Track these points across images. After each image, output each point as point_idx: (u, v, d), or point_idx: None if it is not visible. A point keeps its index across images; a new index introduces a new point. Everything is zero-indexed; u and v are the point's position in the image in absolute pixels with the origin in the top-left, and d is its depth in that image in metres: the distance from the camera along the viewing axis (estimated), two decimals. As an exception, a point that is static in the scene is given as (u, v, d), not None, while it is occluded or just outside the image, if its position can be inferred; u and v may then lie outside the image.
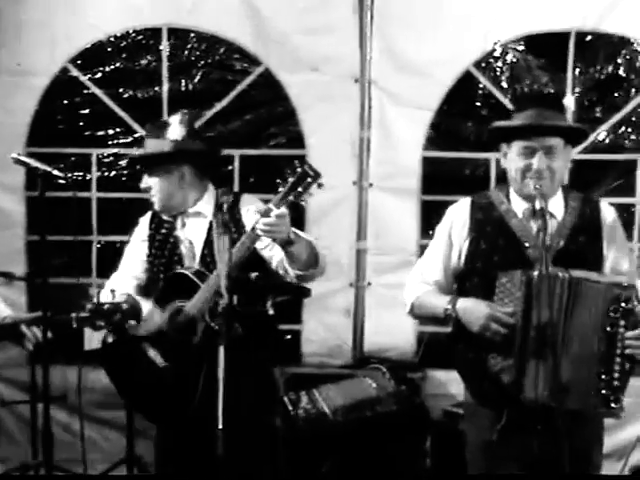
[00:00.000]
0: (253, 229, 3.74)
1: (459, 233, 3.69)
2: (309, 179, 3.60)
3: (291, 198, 3.62)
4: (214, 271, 3.86)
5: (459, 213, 3.72)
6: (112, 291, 3.89)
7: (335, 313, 5.66)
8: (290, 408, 4.91)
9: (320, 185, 3.61)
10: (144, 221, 4.34)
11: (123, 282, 4.16)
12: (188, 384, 3.98)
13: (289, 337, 5.84)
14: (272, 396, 4.36)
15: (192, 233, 4.27)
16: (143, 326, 4.04)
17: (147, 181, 4.17)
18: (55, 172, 3.84)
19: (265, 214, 3.65)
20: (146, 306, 4.06)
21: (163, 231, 4.26)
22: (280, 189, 3.65)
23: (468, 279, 3.66)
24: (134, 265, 4.26)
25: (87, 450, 5.51)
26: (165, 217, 4.26)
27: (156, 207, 4.21)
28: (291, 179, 3.62)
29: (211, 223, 4.23)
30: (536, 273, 3.39)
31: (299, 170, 3.62)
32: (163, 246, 4.24)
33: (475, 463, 3.71)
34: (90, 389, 4.72)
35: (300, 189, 3.60)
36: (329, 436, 4.82)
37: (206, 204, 4.26)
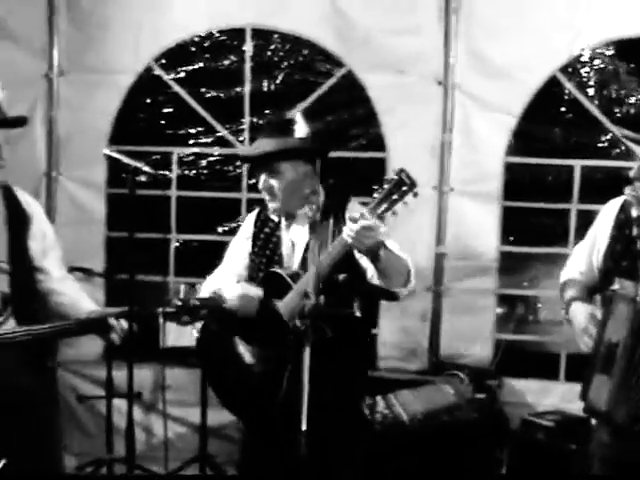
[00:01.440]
0: (341, 237, 3.72)
1: (603, 231, 3.63)
2: (405, 187, 3.52)
3: (385, 206, 3.54)
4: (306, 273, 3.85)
5: (608, 211, 3.66)
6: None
7: (412, 317, 5.62)
8: (366, 412, 4.88)
9: (416, 194, 3.54)
10: (250, 218, 4.33)
11: (225, 277, 4.15)
12: (273, 383, 3.98)
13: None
14: (357, 400, 4.34)
15: (296, 235, 4.26)
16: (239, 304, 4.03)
17: (269, 180, 4.14)
18: (145, 168, 3.85)
19: (354, 221, 3.62)
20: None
21: (267, 230, 4.26)
22: (375, 195, 3.61)
23: (606, 278, 3.60)
24: (236, 261, 4.25)
25: (159, 448, 5.63)
26: (272, 216, 4.25)
27: (273, 206, 4.19)
28: (387, 186, 3.55)
29: (313, 224, 4.22)
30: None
31: (396, 177, 3.55)
32: (265, 245, 4.23)
33: None
34: (163, 386, 4.73)
35: (395, 197, 3.53)
36: (406, 441, 4.79)
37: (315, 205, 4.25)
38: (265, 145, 4.15)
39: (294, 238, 4.20)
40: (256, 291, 4.03)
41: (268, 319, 4.01)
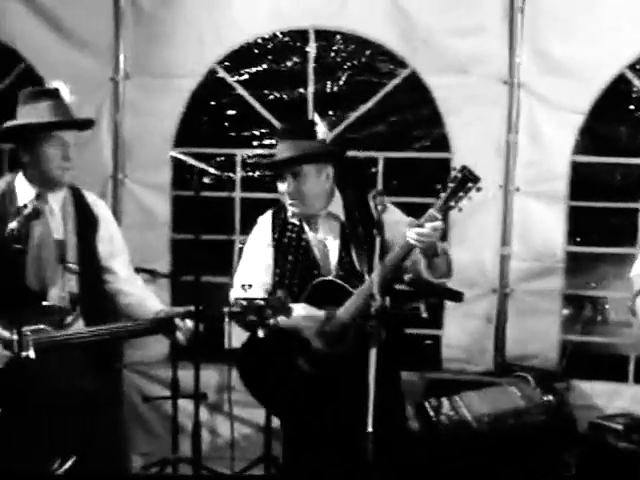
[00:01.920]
0: (407, 240, 3.75)
1: None
2: (470, 183, 3.65)
3: (452, 203, 3.65)
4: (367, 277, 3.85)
5: None
6: (249, 286, 3.86)
7: (477, 319, 5.57)
8: (432, 414, 4.85)
9: (479, 189, 3.62)
10: (265, 224, 4.33)
11: (253, 288, 4.07)
12: (333, 388, 3.98)
13: (429, 342, 5.79)
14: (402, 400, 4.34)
15: (325, 236, 4.26)
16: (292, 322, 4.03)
17: (293, 183, 4.16)
18: (211, 170, 3.87)
19: (419, 225, 3.67)
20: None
21: (291, 235, 4.26)
22: (441, 194, 3.70)
23: None
24: (260, 270, 4.25)
25: (223, 448, 5.66)
26: (292, 220, 4.26)
27: (295, 209, 4.20)
28: (452, 184, 3.68)
29: (343, 225, 4.24)
30: None
31: (459, 175, 3.67)
32: (294, 250, 4.23)
33: None
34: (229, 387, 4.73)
35: (461, 193, 3.65)
36: (472, 443, 4.75)
37: (337, 206, 4.28)
38: (289, 149, 4.17)
39: (323, 240, 4.21)
40: (319, 313, 4.04)
41: (330, 332, 4.03)
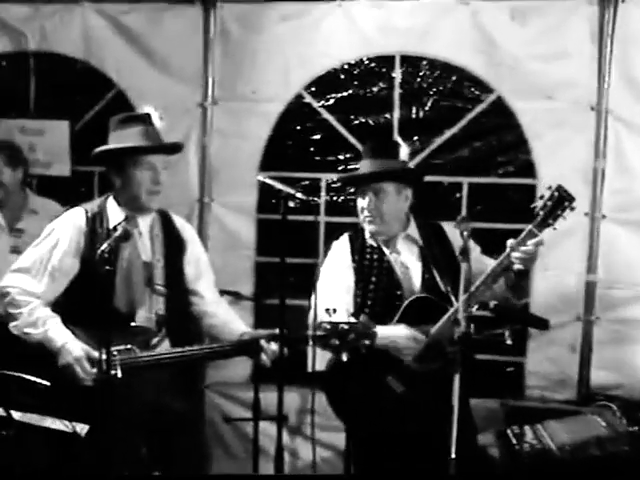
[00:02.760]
0: (507, 256, 3.80)
1: None
2: (566, 202, 3.73)
3: (550, 221, 3.76)
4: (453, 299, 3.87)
5: None
6: (334, 310, 3.90)
7: (561, 347, 5.49)
8: (514, 442, 4.79)
9: (573, 208, 3.70)
10: (343, 246, 4.37)
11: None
12: (423, 410, 3.97)
13: (511, 369, 5.74)
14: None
15: (406, 258, 4.28)
16: (391, 346, 4.06)
17: (370, 199, 4.20)
18: (299, 195, 3.92)
19: (520, 243, 3.73)
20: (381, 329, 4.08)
21: (373, 256, 4.28)
22: (539, 212, 3.83)
23: None
24: (341, 292, 4.28)
25: (304, 471, 5.68)
26: (370, 242, 4.28)
27: (372, 227, 4.24)
28: (549, 203, 3.79)
29: (422, 248, 4.26)
30: None
31: (556, 194, 3.78)
32: (377, 271, 4.26)
33: None
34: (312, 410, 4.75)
35: (558, 212, 3.76)
36: (555, 473, 4.68)
37: (414, 228, 4.31)
38: (372, 165, 4.23)
39: (405, 262, 4.23)
40: (421, 335, 4.06)
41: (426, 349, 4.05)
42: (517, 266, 3.89)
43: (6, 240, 5.19)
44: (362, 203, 4.27)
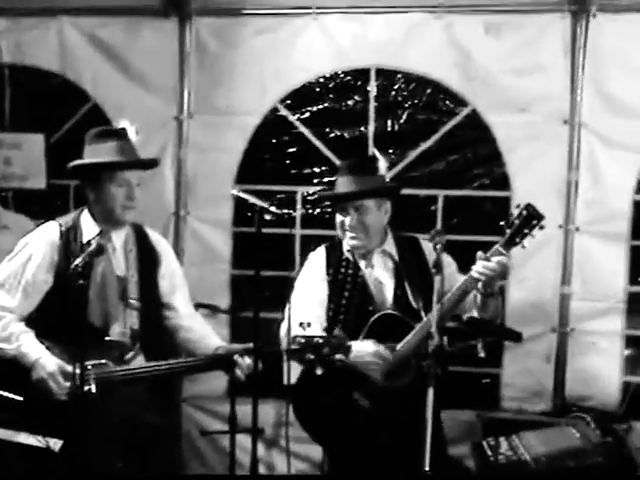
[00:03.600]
0: (471, 275, 3.81)
1: None
2: (534, 221, 3.75)
3: (517, 240, 3.76)
4: (428, 313, 3.88)
5: None
6: (308, 324, 3.89)
7: (536, 358, 5.52)
8: (489, 453, 4.81)
9: (542, 227, 3.71)
10: (319, 259, 4.38)
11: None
12: (390, 425, 3.98)
13: (487, 381, 5.76)
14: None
15: (380, 273, 4.30)
16: (358, 362, 4.07)
17: (352, 216, 4.21)
18: (272, 209, 3.91)
19: (486, 259, 3.74)
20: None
21: (348, 271, 4.30)
22: (507, 231, 3.84)
23: None
24: (314, 305, 4.29)
25: (274, 487, 5.67)
26: (347, 255, 4.30)
27: (355, 242, 4.25)
28: (517, 221, 3.80)
29: (397, 263, 4.28)
30: None
31: (525, 212, 3.79)
32: (350, 286, 4.27)
33: None
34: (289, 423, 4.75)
35: (526, 230, 3.76)
36: (530, 485, 4.70)
37: (391, 242, 4.33)
38: (353, 183, 4.24)
39: (379, 277, 4.25)
40: (385, 352, 4.07)
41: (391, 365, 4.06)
42: (479, 282, 3.90)
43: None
44: (343, 219, 4.28)
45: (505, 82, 5.42)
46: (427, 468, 3.36)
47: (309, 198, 5.95)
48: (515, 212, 3.91)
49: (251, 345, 3.90)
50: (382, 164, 4.38)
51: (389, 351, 4.07)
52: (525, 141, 5.44)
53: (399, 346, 4.05)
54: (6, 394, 3.74)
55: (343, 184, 4.33)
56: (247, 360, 3.94)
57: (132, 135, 4.18)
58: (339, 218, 4.29)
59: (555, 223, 5.36)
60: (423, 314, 4.08)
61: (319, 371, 3.79)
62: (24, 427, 3.73)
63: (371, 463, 4.12)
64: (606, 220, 5.37)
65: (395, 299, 4.23)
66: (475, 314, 4.07)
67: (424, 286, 4.10)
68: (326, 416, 4.17)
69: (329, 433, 4.21)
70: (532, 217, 3.85)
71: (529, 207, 3.87)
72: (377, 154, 4.47)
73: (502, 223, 3.89)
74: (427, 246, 4.27)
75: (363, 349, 4.06)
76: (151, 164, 4.28)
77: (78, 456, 3.70)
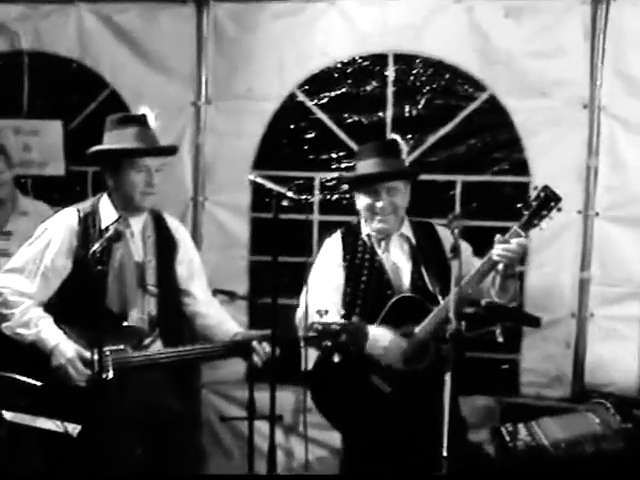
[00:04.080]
0: (490, 257, 3.81)
1: None
2: (552, 202, 3.75)
3: (536, 221, 3.78)
4: (446, 296, 3.87)
5: None
6: (326, 311, 3.90)
7: (555, 344, 5.51)
8: (508, 439, 4.80)
9: (560, 209, 3.72)
10: (335, 245, 4.37)
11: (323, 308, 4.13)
12: (409, 409, 3.98)
13: (506, 367, 5.74)
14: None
15: (397, 257, 4.29)
16: (373, 348, 4.06)
17: (386, 200, 4.19)
18: (289, 194, 3.91)
19: (505, 241, 3.74)
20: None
21: (365, 255, 4.28)
22: (524, 212, 3.87)
23: None
24: (331, 290, 4.29)
25: (299, 470, 5.69)
26: (364, 239, 4.29)
27: (382, 225, 4.23)
28: (535, 202, 3.80)
29: (414, 247, 4.27)
30: None
31: (542, 194, 3.80)
32: (367, 271, 4.26)
33: None
34: (307, 409, 4.75)
35: (544, 212, 3.79)
36: (549, 470, 4.68)
37: (407, 227, 4.32)
38: (381, 165, 4.22)
39: (396, 261, 4.24)
40: (402, 339, 4.06)
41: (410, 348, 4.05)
42: (500, 264, 3.90)
43: (-5, 243, 5.19)
44: (371, 202, 4.24)
45: (525, 66, 5.38)
46: (445, 453, 3.37)
47: (327, 184, 5.94)
48: (533, 194, 3.94)
49: (269, 332, 3.91)
50: (404, 147, 4.38)
51: (405, 337, 4.06)
52: (544, 126, 5.39)
53: (417, 330, 4.04)
54: (25, 379, 3.76)
55: (370, 166, 4.30)
56: (265, 346, 3.94)
57: (152, 121, 4.18)
58: (366, 201, 4.26)
59: (574, 208, 5.33)
60: (440, 298, 4.07)
61: (336, 358, 3.79)
62: (43, 412, 3.75)
63: (390, 448, 4.12)
64: (626, 205, 5.33)
65: (412, 283, 4.22)
66: (493, 298, 4.07)
67: (440, 271, 4.10)
68: (345, 401, 4.17)
69: (348, 419, 4.20)
70: (550, 199, 3.88)
71: (547, 189, 3.90)
72: (398, 138, 4.44)
73: (520, 206, 3.90)
74: (442, 231, 4.27)
75: (378, 335, 4.05)
76: (171, 151, 4.28)
77: (96, 442, 3.71)
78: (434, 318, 3.99)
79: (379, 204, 4.21)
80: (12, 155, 5.48)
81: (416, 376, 4.04)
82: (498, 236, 3.93)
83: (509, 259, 3.88)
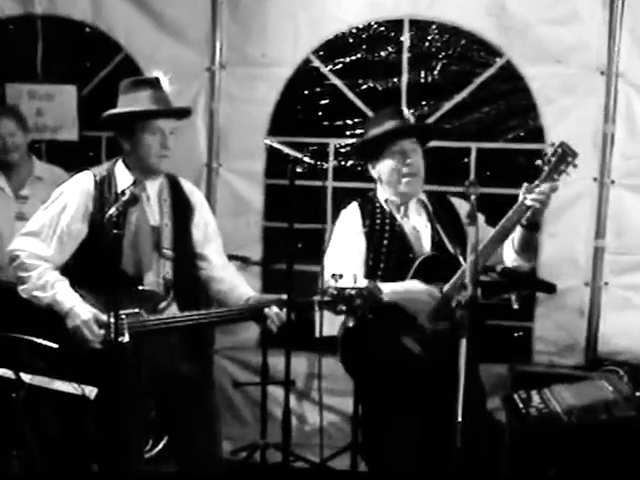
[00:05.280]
0: (522, 203, 3.86)
1: None
2: (569, 158, 3.79)
3: (555, 176, 3.84)
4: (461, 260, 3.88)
5: None
6: (340, 276, 3.85)
7: (569, 312, 5.52)
8: (521, 406, 4.81)
9: (575, 165, 3.83)
10: (353, 214, 4.35)
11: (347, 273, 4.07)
12: (440, 370, 3.98)
13: (520, 334, 5.75)
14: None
15: (417, 221, 4.29)
16: (407, 301, 4.07)
17: (412, 160, 4.18)
18: (305, 159, 3.90)
19: (533, 189, 3.77)
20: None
21: (382, 221, 4.27)
22: (544, 167, 3.89)
23: None
24: (353, 258, 4.25)
25: (311, 435, 5.71)
26: (383, 206, 4.28)
27: (408, 190, 4.22)
28: (553, 158, 3.88)
29: (431, 212, 4.27)
30: None
31: (559, 150, 3.86)
32: (388, 236, 4.25)
33: None
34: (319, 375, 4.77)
35: (562, 167, 3.83)
36: (561, 437, 4.69)
37: (423, 195, 4.32)
38: (393, 126, 4.22)
39: (415, 225, 4.24)
40: (434, 290, 4.06)
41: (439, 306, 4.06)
42: (531, 208, 3.91)
43: (12, 206, 5.19)
44: (398, 164, 4.21)
45: (541, 32, 5.36)
46: (460, 419, 3.38)
47: (341, 150, 5.93)
48: (550, 150, 3.93)
49: (283, 296, 3.91)
50: (409, 113, 4.40)
51: (437, 290, 4.07)
52: (560, 93, 5.38)
53: (445, 287, 4.04)
54: (42, 341, 3.78)
55: (389, 126, 4.28)
56: (278, 311, 3.94)
57: (166, 85, 4.16)
58: (392, 164, 4.22)
59: (590, 176, 5.32)
60: (461, 259, 4.07)
61: (351, 323, 3.78)
62: (60, 375, 3.77)
63: (417, 409, 4.14)
64: (642, 173, 5.32)
65: (433, 245, 4.22)
66: (512, 258, 4.07)
67: (459, 235, 4.10)
68: (376, 362, 4.16)
69: (379, 379, 4.19)
70: (567, 154, 3.90)
71: (563, 145, 3.91)
72: (404, 105, 4.44)
73: (538, 162, 3.90)
74: (455, 201, 4.28)
75: (413, 287, 4.06)
76: (185, 112, 4.26)
77: (113, 404, 3.73)
78: (458, 277, 4.01)
79: (408, 163, 4.20)
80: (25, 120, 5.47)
81: (444, 336, 4.03)
82: (526, 184, 3.94)
83: (542, 203, 3.89)
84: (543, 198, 3.88)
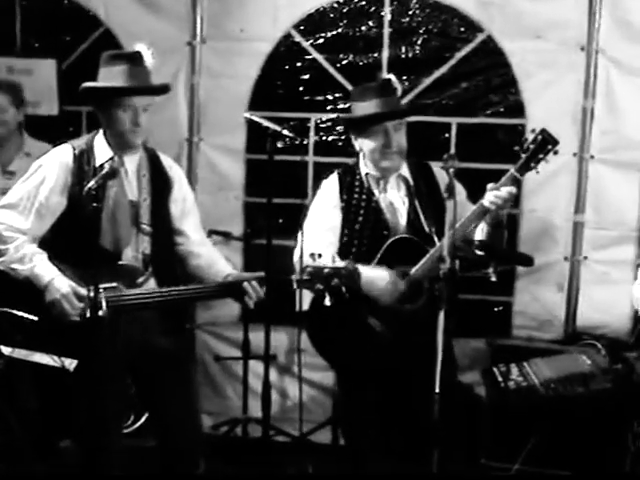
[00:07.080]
0: (482, 204, 3.83)
1: None
2: (549, 146, 3.78)
3: (532, 164, 3.80)
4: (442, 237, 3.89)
5: None
6: (319, 255, 3.86)
7: (548, 287, 5.55)
8: (500, 379, 4.87)
9: (556, 152, 3.73)
10: (331, 186, 4.36)
11: (318, 249, 4.06)
12: (404, 348, 4.01)
13: (500, 308, 5.78)
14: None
15: (394, 197, 4.30)
16: (370, 289, 4.08)
17: (394, 139, 4.18)
18: (285, 132, 3.90)
19: (497, 188, 3.77)
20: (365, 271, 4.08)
21: (359, 196, 4.28)
22: (522, 155, 3.88)
23: None
24: (328, 232, 4.28)
25: (293, 410, 5.74)
26: (363, 180, 4.28)
27: (388, 165, 4.23)
28: (532, 146, 3.83)
29: (410, 187, 4.28)
30: None
31: (539, 137, 3.80)
32: (364, 211, 4.26)
33: None
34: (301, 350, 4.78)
35: (541, 155, 3.81)
36: (540, 409, 4.75)
37: (405, 169, 4.33)
38: (382, 105, 4.20)
39: (393, 201, 4.25)
40: (399, 279, 4.08)
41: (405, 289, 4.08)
42: (491, 209, 3.93)
43: (-1, 182, 5.17)
44: (381, 142, 4.21)
45: (521, 8, 5.35)
46: (437, 390, 3.40)
47: (322, 125, 5.92)
48: (530, 137, 3.93)
49: (261, 273, 3.92)
50: (398, 87, 4.36)
51: (401, 277, 4.08)
52: (540, 68, 5.38)
53: (413, 270, 4.06)
54: (20, 313, 3.78)
55: (375, 106, 4.24)
56: (256, 287, 3.94)
57: (148, 59, 4.11)
58: (375, 141, 4.21)
59: (570, 151, 5.33)
60: (435, 239, 4.09)
61: (328, 302, 3.80)
62: (39, 347, 3.77)
63: (385, 387, 4.17)
64: (621, 148, 5.34)
65: (408, 223, 4.23)
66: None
67: (436, 211, 4.11)
68: (341, 341, 4.19)
69: (343, 356, 4.23)
70: (547, 142, 3.89)
71: (544, 132, 3.90)
72: (392, 77, 4.40)
73: (516, 148, 3.90)
74: (439, 172, 4.26)
75: (375, 276, 4.07)
76: (162, 90, 4.21)
77: (92, 378, 3.74)
78: (429, 259, 4.01)
79: (391, 142, 4.19)
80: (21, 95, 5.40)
81: (411, 316, 4.07)
82: (490, 184, 3.94)
83: (499, 206, 3.89)
84: (500, 203, 3.90)
